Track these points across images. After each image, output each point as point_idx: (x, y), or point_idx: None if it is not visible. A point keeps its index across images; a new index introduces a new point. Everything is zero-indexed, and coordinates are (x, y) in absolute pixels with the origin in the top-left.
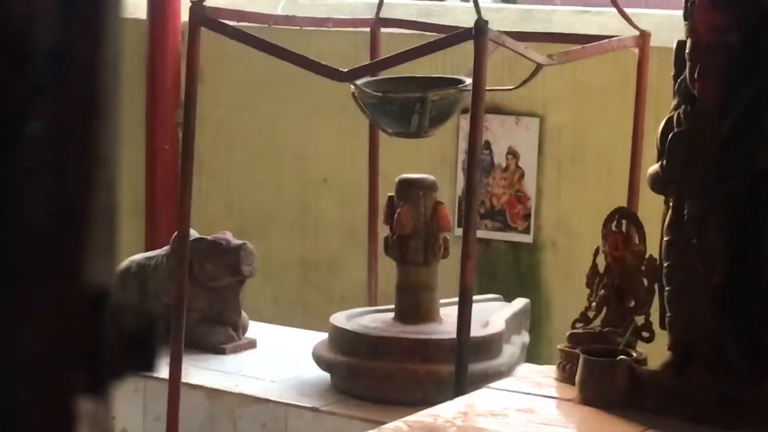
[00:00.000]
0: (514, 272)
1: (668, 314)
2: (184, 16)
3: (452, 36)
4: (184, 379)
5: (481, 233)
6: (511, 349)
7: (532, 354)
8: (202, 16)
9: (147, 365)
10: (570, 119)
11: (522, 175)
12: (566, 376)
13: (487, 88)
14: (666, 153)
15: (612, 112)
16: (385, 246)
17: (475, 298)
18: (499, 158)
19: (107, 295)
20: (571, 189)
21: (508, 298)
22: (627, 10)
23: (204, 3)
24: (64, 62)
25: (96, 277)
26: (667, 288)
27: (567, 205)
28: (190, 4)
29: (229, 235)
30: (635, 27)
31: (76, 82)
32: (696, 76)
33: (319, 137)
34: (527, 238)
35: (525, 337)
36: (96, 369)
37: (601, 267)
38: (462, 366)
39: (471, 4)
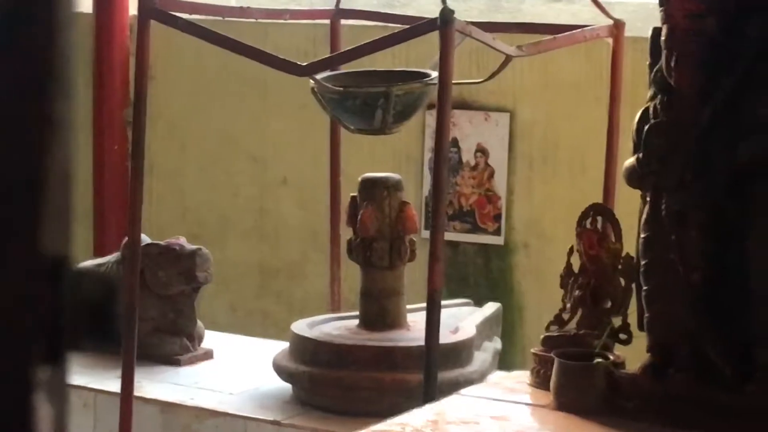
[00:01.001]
0: (484, 276)
1: (646, 315)
2: (133, 9)
3: (417, 26)
4: (136, 393)
5: (449, 235)
6: (483, 356)
7: (505, 361)
8: (152, 9)
9: (106, 333)
10: (542, 114)
11: (492, 174)
12: (540, 382)
13: (453, 81)
14: (642, 145)
15: (586, 107)
16: (348, 249)
17: (444, 303)
18: (468, 156)
19: (65, 262)
20: (544, 188)
21: (479, 303)
22: None
23: None
24: (18, 24)
25: (54, 243)
26: (644, 287)
27: (539, 204)
28: None
29: (182, 240)
30: (609, 16)
31: (31, 44)
32: (673, 64)
33: (277, 136)
34: (498, 240)
35: (497, 344)
36: (54, 337)
37: (576, 266)
38: (431, 374)
39: None
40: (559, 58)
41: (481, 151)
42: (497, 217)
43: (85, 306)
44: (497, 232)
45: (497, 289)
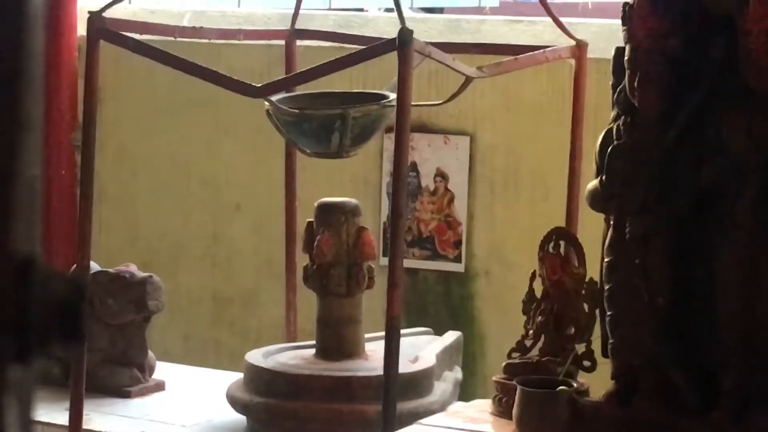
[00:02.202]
0: (444, 304)
1: (610, 341)
2: (81, 29)
3: (375, 47)
4: (85, 426)
5: (408, 262)
6: (443, 386)
7: (466, 392)
8: (101, 28)
9: (74, 333)
10: (503, 137)
11: (452, 199)
12: (503, 410)
13: (412, 103)
14: (605, 168)
15: (548, 130)
16: (304, 276)
17: (403, 332)
18: (427, 181)
19: (33, 262)
20: (506, 213)
21: (439, 331)
22: (562, 19)
23: (103, 14)
24: None
25: (21, 243)
26: (608, 313)
27: (501, 230)
28: (87, 15)
29: (133, 268)
30: (571, 36)
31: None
32: (636, 84)
33: (231, 160)
34: (458, 267)
35: (458, 373)
36: (23, 336)
37: (539, 292)
38: (390, 405)
39: (394, 14)
40: (520, 80)
41: (441, 175)
42: (458, 244)
43: (53, 305)
44: (458, 259)
45: (458, 318)
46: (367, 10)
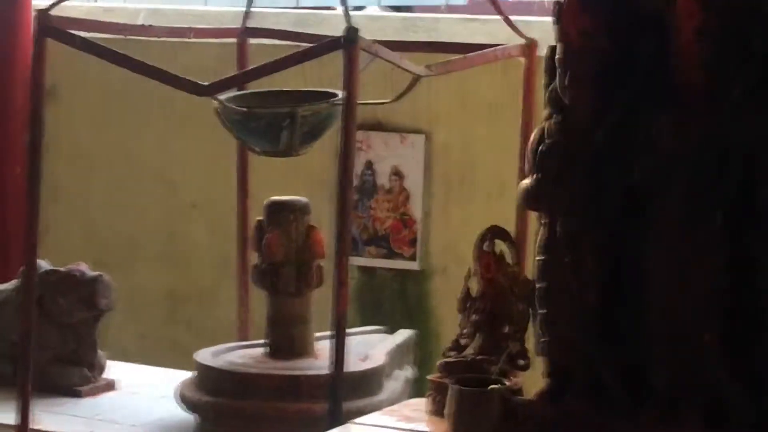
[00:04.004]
0: (400, 302)
1: (543, 339)
2: None
3: (320, 45)
4: (34, 426)
5: (364, 261)
6: (394, 385)
7: (421, 389)
8: (49, 26)
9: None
10: (458, 136)
11: (407, 197)
12: (437, 409)
13: (362, 101)
14: (537, 168)
15: (503, 128)
16: (253, 275)
17: (355, 330)
18: (383, 179)
19: None
20: (461, 211)
21: (395, 329)
22: (515, 18)
23: (51, 12)
24: None
25: None
26: (541, 311)
27: (457, 228)
28: (34, 12)
29: (84, 267)
30: (521, 35)
31: None
32: (567, 83)
33: (186, 158)
34: (414, 265)
35: (409, 372)
36: None
37: (475, 290)
38: (336, 403)
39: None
40: (476, 79)
41: (397, 173)
42: (413, 242)
43: None
44: (413, 257)
45: (414, 315)
46: (335, 9)
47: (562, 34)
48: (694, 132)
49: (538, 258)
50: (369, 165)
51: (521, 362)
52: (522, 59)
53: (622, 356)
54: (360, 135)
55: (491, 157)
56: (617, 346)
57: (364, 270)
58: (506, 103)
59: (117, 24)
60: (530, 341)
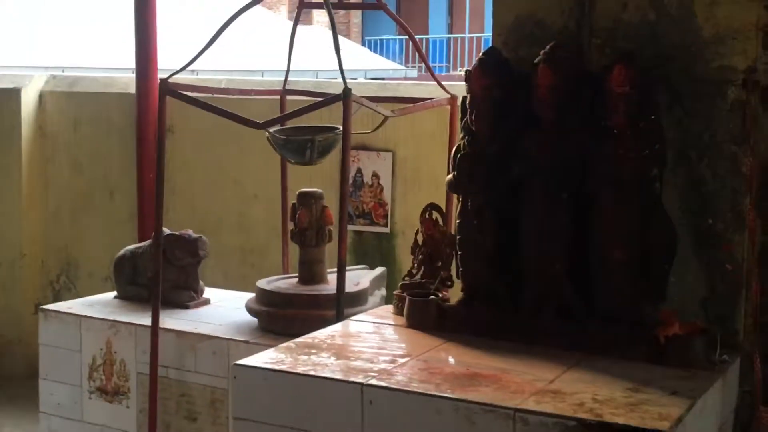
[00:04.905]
0: (378, 252)
1: (461, 269)
2: None
3: (328, 99)
4: (161, 326)
5: (355, 227)
6: (374, 300)
7: (388, 301)
8: (167, 89)
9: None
10: (412, 153)
11: (381, 190)
12: (399, 311)
13: (354, 132)
14: (456, 168)
15: (438, 148)
16: (291, 236)
17: (349, 267)
18: (367, 179)
19: None
20: (413, 197)
21: (374, 267)
22: (445, 82)
23: (168, 80)
24: None
25: None
26: (459, 252)
27: (411, 208)
28: (159, 79)
29: (189, 231)
30: (447, 92)
31: None
32: (473, 118)
33: (250, 167)
34: (386, 230)
35: (383, 292)
36: None
37: (420, 242)
38: (340, 311)
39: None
40: (421, 118)
41: (376, 176)
42: (385, 216)
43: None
44: (386, 225)
45: (386, 259)
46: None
47: (470, 89)
48: (549, 146)
49: (457, 221)
50: (359, 171)
51: (448, 283)
52: (448, 106)
53: (507, 279)
54: (353, 152)
55: (430, 165)
56: (504, 272)
57: (356, 233)
58: (439, 132)
59: (208, 87)
60: (453, 271)
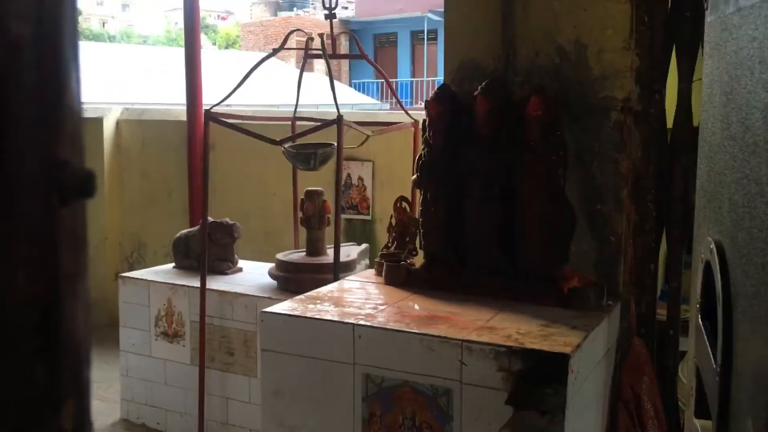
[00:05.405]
0: (363, 233)
1: (423, 242)
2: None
3: (326, 123)
4: (207, 287)
5: (346, 216)
6: (360, 267)
7: (370, 267)
8: (211, 116)
9: (89, 192)
10: (387, 161)
11: (365, 189)
12: (379, 273)
13: (345, 147)
14: (419, 170)
15: (406, 159)
16: (301, 221)
17: (343, 244)
18: (356, 181)
19: (68, 162)
20: (388, 194)
21: (360, 244)
22: (411, 112)
23: (211, 110)
24: (41, 25)
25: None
26: (422, 230)
27: (386, 201)
28: (203, 110)
29: (227, 219)
30: (411, 117)
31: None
32: (430, 134)
33: (270, 173)
34: (368, 218)
35: (367, 261)
36: (65, 191)
37: (393, 223)
38: (336, 275)
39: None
40: (394, 137)
41: (361, 178)
42: (368, 207)
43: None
44: (368, 214)
45: (368, 239)
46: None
47: (428, 114)
48: (485, 155)
49: (420, 209)
50: (348, 175)
51: (414, 253)
52: (412, 128)
53: (455, 248)
54: (344, 162)
55: (401, 171)
56: (454, 244)
57: (347, 220)
58: (406, 147)
59: (240, 115)
60: (418, 243)
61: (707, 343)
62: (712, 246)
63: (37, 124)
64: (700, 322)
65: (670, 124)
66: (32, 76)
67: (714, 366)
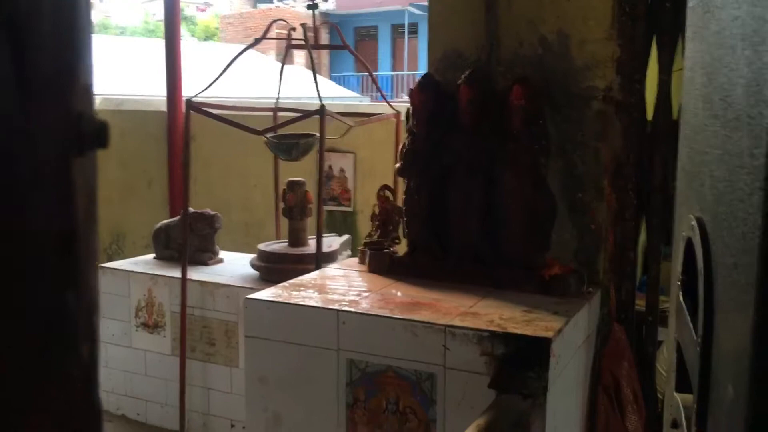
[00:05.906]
0: (344, 224)
1: (406, 230)
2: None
3: (308, 113)
4: (188, 277)
5: (328, 207)
6: (342, 258)
7: (353, 255)
8: (192, 106)
9: (102, 143)
10: (368, 154)
11: (346, 180)
12: (362, 261)
13: (327, 137)
14: (402, 158)
15: (388, 151)
16: (282, 212)
17: (325, 235)
18: (337, 172)
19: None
20: (369, 185)
21: (342, 234)
22: (393, 103)
23: (192, 99)
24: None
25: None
26: (405, 219)
27: (367, 193)
28: (185, 99)
29: (208, 210)
30: (393, 109)
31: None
32: (414, 123)
33: (252, 164)
34: (350, 209)
35: (348, 252)
36: (80, 140)
37: (377, 212)
38: (318, 265)
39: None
40: (375, 128)
41: (342, 170)
42: (349, 199)
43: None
44: (350, 206)
45: (349, 230)
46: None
47: (412, 103)
48: (468, 143)
49: (403, 197)
50: (330, 166)
51: (397, 241)
52: (394, 120)
53: (438, 236)
54: (326, 153)
55: (382, 163)
56: (437, 232)
57: (328, 211)
58: (388, 138)
59: (221, 104)
60: (401, 232)
61: (688, 318)
62: (693, 222)
63: (55, 74)
64: (681, 299)
65: (650, 115)
66: (48, 25)
67: (695, 338)
